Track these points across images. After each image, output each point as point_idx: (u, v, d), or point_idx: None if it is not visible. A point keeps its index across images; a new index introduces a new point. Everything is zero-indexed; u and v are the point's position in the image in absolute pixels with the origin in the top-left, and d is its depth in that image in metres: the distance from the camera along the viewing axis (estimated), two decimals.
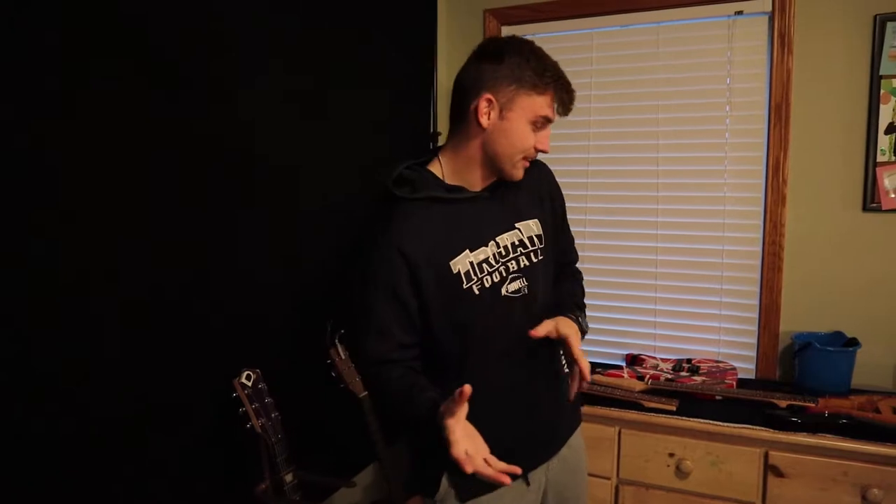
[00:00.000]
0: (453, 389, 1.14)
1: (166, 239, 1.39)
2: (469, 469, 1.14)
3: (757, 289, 2.23)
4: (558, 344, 1.37)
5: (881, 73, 2.02)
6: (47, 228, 1.17)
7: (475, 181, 1.36)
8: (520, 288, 1.36)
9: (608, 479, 2.00)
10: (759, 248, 2.22)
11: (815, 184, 2.13)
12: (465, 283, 1.30)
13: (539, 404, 1.43)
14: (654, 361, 2.29)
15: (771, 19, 2.13)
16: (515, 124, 1.28)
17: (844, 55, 2.06)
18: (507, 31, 2.50)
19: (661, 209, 2.36)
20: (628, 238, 2.42)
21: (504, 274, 1.34)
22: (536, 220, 1.42)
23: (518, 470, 1.17)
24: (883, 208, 2.05)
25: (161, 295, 1.38)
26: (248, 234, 1.61)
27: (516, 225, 1.38)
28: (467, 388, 1.11)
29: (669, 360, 2.30)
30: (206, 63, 1.47)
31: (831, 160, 2.11)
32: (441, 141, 2.51)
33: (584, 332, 1.41)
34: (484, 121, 1.27)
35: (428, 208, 1.30)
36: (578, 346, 1.32)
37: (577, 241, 1.65)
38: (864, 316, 2.11)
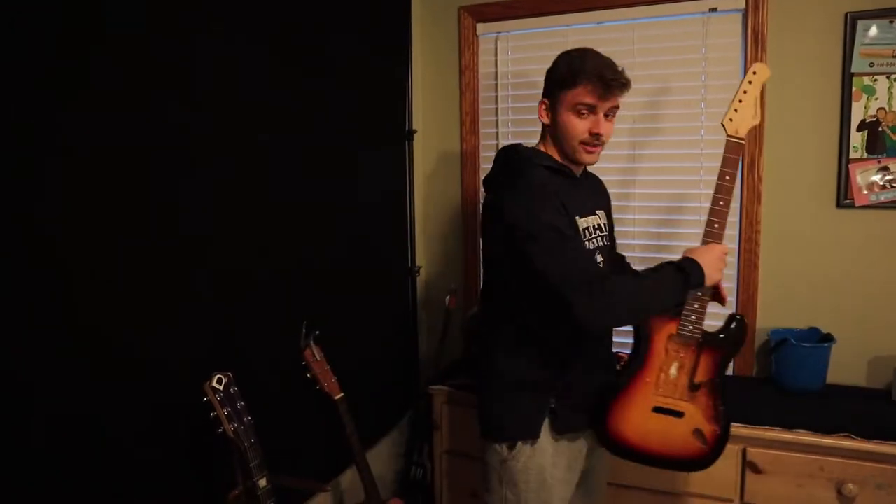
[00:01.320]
0: (567, 336, 1.54)
1: (137, 240, 1.35)
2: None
3: (734, 286, 2.24)
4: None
5: (853, 70, 2.03)
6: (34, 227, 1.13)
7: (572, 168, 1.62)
8: (601, 261, 1.62)
9: None
10: (735, 246, 2.22)
11: (789, 181, 2.15)
12: (585, 237, 1.56)
13: (608, 363, 1.74)
14: None
15: (744, 16, 2.14)
16: (564, 118, 1.54)
17: (817, 52, 2.08)
18: (482, 28, 2.48)
19: (637, 206, 2.36)
20: None
21: (594, 246, 1.60)
22: (604, 212, 1.71)
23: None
24: (856, 204, 2.07)
25: (127, 296, 1.34)
26: (219, 234, 1.57)
27: (596, 211, 1.66)
28: None
29: None
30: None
31: (805, 157, 2.12)
32: (417, 139, 2.51)
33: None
34: (544, 120, 1.59)
35: (550, 175, 1.56)
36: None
37: None
38: (838, 312, 2.12)
